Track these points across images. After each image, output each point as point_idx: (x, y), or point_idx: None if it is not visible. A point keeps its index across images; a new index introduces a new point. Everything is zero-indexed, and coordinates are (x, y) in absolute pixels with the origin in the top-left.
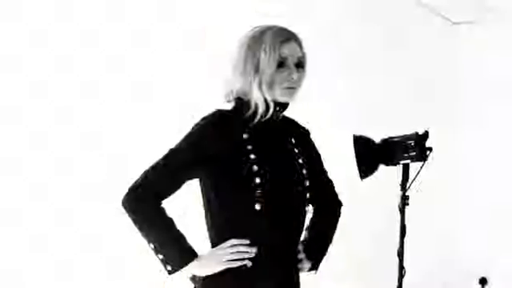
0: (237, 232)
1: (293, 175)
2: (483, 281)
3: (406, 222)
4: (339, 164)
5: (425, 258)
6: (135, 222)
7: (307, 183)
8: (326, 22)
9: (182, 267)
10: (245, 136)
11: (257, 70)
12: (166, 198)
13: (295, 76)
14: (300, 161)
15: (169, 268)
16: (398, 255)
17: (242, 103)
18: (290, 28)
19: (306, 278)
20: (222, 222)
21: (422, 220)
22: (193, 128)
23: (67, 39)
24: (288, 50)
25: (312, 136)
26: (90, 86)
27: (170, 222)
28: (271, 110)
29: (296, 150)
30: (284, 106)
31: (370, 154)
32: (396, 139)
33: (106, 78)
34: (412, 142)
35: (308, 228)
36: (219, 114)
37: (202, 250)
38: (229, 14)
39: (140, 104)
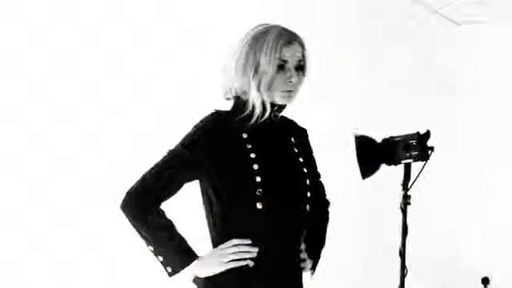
0: (238, 232)
1: (294, 174)
2: (485, 280)
3: (408, 222)
4: (340, 164)
5: (427, 257)
6: (134, 225)
7: (308, 182)
8: (325, 21)
9: (182, 269)
10: (244, 135)
11: (256, 70)
12: (164, 200)
13: (294, 80)
14: (300, 159)
15: (169, 270)
16: (400, 255)
17: (240, 102)
18: (292, 28)
19: (307, 278)
20: (224, 222)
21: (424, 219)
22: (191, 129)
23: (67, 39)
24: (289, 53)
25: (309, 137)
26: (90, 86)
27: (169, 225)
28: (268, 112)
29: (296, 150)
30: (281, 106)
31: (372, 154)
32: (397, 138)
33: (106, 78)
34: (414, 142)
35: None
36: (218, 115)
37: (203, 251)
38: (229, 13)
39: (140, 104)
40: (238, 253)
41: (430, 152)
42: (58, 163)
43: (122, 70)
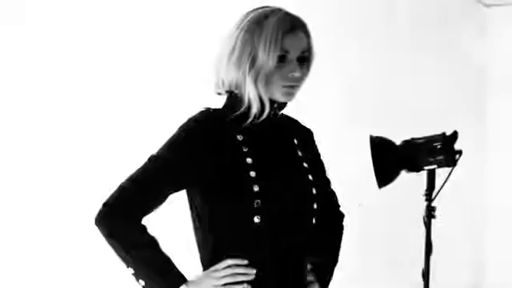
0: (233, 250)
1: (297, 182)
2: None
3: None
4: (353, 169)
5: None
6: (111, 243)
7: (314, 191)
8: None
9: None
10: (239, 137)
11: (253, 62)
12: (147, 214)
13: (297, 74)
14: (305, 165)
15: None
16: (423, 276)
17: (234, 98)
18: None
19: None
20: (215, 240)
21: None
22: (177, 131)
23: (67, 39)
24: (291, 42)
25: (316, 138)
26: (89, 86)
27: (152, 243)
28: (267, 110)
29: (300, 153)
30: (282, 103)
31: (390, 159)
32: (420, 141)
33: (106, 78)
34: (438, 145)
35: (315, 246)
36: (207, 114)
37: (191, 274)
38: (229, 13)
39: (140, 104)
40: (233, 275)
41: (457, 156)
42: (58, 163)
43: (122, 69)
